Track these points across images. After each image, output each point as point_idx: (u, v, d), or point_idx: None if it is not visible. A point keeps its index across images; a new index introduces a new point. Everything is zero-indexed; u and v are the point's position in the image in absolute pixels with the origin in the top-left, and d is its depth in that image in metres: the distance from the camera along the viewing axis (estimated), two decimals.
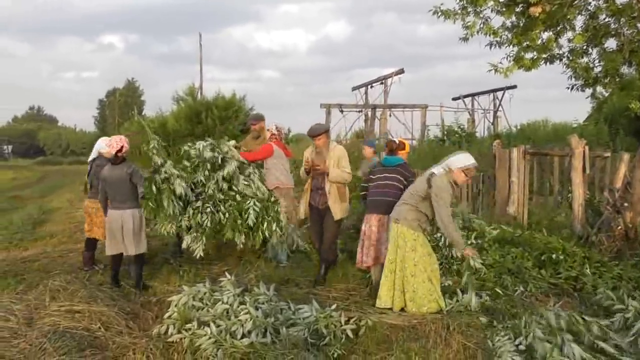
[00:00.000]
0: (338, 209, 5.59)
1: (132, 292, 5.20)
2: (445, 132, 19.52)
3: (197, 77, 31.53)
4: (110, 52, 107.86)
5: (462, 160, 4.62)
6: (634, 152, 7.15)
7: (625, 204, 6.17)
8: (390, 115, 24.67)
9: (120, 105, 52.50)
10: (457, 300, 4.58)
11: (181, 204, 5.62)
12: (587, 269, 5.31)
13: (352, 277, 5.53)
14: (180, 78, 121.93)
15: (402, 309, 4.53)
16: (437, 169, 4.64)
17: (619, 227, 6.20)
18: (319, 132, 5.68)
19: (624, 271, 5.28)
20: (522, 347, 3.71)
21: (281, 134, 6.55)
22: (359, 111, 25.48)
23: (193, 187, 5.84)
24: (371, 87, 25.67)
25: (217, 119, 21.72)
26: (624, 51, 6.52)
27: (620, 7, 6.54)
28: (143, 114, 44.26)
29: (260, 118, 7.11)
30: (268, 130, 6.62)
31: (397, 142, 5.52)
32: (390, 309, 4.54)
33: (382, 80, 24.86)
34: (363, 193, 5.65)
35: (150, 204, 5.38)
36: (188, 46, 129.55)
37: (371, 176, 5.39)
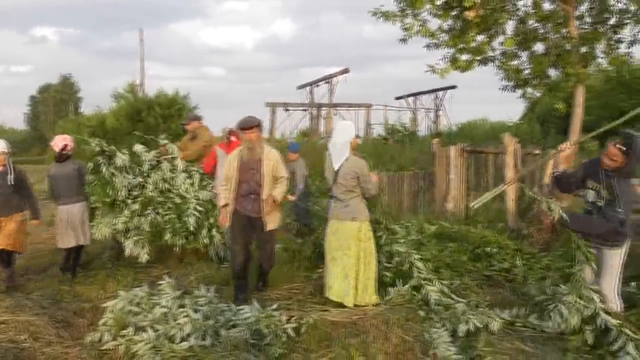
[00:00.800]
0: (277, 218, 5.02)
1: (64, 299, 5.00)
2: (389, 131, 19.92)
3: (138, 73, 30.56)
4: (43, 45, 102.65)
5: (348, 129, 4.68)
6: None
7: (553, 198, 6.51)
8: (335, 114, 24.89)
9: (55, 102, 50.15)
10: (398, 291, 4.66)
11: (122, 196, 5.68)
12: (518, 260, 5.57)
13: (295, 277, 5.53)
14: (121, 74, 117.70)
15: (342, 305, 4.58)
16: (342, 154, 4.54)
17: (547, 221, 6.55)
18: (251, 124, 4.83)
19: (552, 262, 5.58)
20: (461, 335, 3.91)
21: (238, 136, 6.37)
22: (305, 110, 25.56)
23: (129, 190, 5.74)
24: (317, 86, 25.84)
25: (160, 117, 21.21)
26: (551, 55, 6.89)
27: (547, 13, 6.90)
28: (80, 111, 42.57)
29: (193, 118, 7.00)
30: (229, 133, 6.48)
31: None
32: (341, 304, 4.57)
33: (328, 79, 25.05)
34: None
35: (97, 188, 5.62)
36: (131, 42, 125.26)
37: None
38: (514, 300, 4.68)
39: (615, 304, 3.80)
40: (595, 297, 3.76)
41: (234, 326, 3.95)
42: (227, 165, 4.96)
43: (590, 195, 3.90)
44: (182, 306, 4.14)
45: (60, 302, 4.88)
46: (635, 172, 3.83)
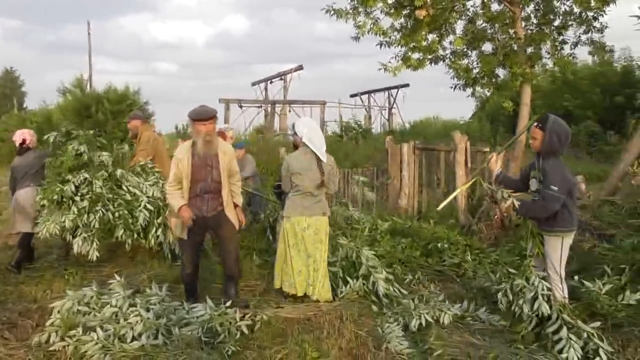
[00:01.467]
0: (235, 217, 4.65)
1: (8, 300, 4.81)
2: (343, 128, 20.06)
3: (85, 68, 29.52)
4: None
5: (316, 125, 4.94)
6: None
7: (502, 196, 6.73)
8: (289, 111, 24.83)
9: None
10: (350, 287, 4.71)
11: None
12: (468, 255, 5.74)
13: (249, 273, 5.50)
14: (68, 68, 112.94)
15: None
16: (323, 149, 4.65)
17: (496, 217, 6.76)
18: (210, 114, 4.42)
19: (500, 256, 5.78)
20: (413, 329, 4.01)
21: (225, 137, 6.26)
22: (259, 107, 25.38)
23: (76, 187, 5.56)
24: (271, 82, 25.70)
25: (109, 113, 20.55)
26: (498, 54, 7.12)
27: (495, 14, 7.12)
28: (24, 106, 40.75)
29: (133, 117, 6.83)
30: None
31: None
32: (293, 296, 4.58)
33: (282, 76, 24.97)
34: (277, 192, 5.19)
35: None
36: (77, 35, 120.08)
37: None
38: (464, 295, 4.81)
39: (559, 291, 3.91)
40: (537, 281, 3.88)
41: (186, 324, 3.89)
42: (175, 163, 4.44)
43: (533, 183, 4.04)
44: (133, 305, 4.04)
45: (4, 303, 4.68)
46: (559, 151, 3.93)
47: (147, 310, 3.95)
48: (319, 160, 4.55)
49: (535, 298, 3.83)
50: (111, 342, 3.60)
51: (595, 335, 3.56)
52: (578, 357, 3.44)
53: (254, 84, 26.52)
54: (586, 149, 18.05)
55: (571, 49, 7.37)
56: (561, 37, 7.32)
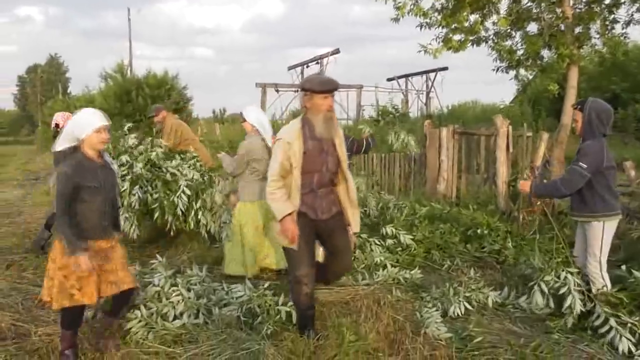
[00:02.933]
0: (358, 218, 3.77)
1: None
2: (380, 112, 19.87)
3: (125, 53, 30.18)
4: (28, 25, 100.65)
5: (255, 113, 5.05)
6: (554, 131, 7.58)
7: (545, 181, 6.55)
8: None
9: (43, 83, 49.50)
10: (387, 272, 4.76)
11: None
12: (509, 242, 5.62)
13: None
14: (107, 55, 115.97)
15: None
16: (263, 134, 4.92)
17: (538, 204, 6.59)
18: (335, 85, 3.66)
19: (542, 244, 5.62)
20: (452, 315, 3.97)
21: None
22: (295, 91, 25.38)
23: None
24: (307, 66, 25.65)
25: (149, 97, 20.99)
26: (544, 35, 6.84)
27: None
28: (68, 91, 42.05)
29: (159, 110, 6.94)
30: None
31: None
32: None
33: (318, 60, 24.87)
34: None
35: None
36: (114, 21, 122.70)
37: None
38: (505, 282, 4.72)
39: (599, 281, 3.79)
40: (570, 277, 3.79)
41: (226, 305, 3.96)
42: (283, 149, 3.43)
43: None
44: (174, 285, 4.13)
45: None
46: (601, 131, 3.79)
47: (188, 290, 4.02)
48: (267, 145, 4.82)
49: (568, 294, 3.74)
50: (154, 320, 3.70)
51: (638, 325, 3.44)
52: (631, 347, 3.34)
53: (290, 68, 26.54)
54: (634, 134, 17.35)
55: (623, 29, 7.04)
56: (612, 16, 6.96)
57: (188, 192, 5.61)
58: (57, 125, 5.51)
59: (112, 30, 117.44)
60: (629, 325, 3.45)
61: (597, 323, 3.59)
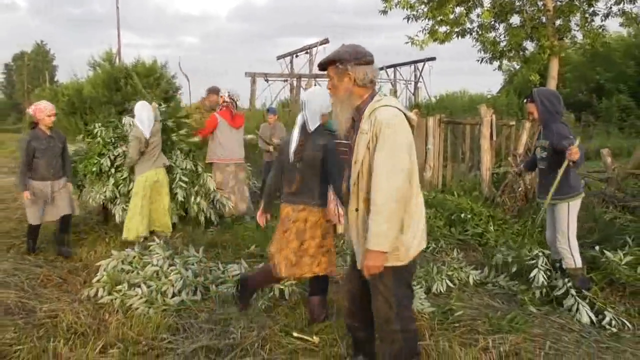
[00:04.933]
0: None
1: (56, 260, 5.22)
2: None
3: (112, 41, 29.95)
4: (12, 12, 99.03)
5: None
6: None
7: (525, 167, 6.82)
8: (315, 85, 24.86)
9: (30, 71, 48.84)
10: None
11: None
12: (491, 226, 5.89)
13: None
14: (93, 42, 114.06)
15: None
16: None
17: (520, 189, 6.87)
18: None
19: (523, 228, 5.92)
20: (435, 292, 4.23)
21: (233, 102, 6.54)
22: (285, 80, 25.46)
23: (112, 159, 5.89)
24: (296, 56, 25.68)
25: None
26: (526, 27, 7.09)
27: None
28: (55, 79, 41.63)
29: (211, 90, 7.07)
30: (220, 97, 6.60)
31: None
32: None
33: (307, 49, 24.92)
34: None
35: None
36: (100, 9, 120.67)
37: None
38: (486, 262, 4.99)
39: (570, 259, 4.04)
40: (541, 254, 4.15)
41: (222, 283, 4.19)
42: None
43: (539, 151, 4.25)
44: (172, 265, 4.36)
45: (54, 262, 5.09)
46: (559, 112, 4.08)
47: (186, 269, 4.25)
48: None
49: (534, 268, 4.08)
50: (154, 297, 3.92)
51: (598, 297, 3.79)
52: (589, 318, 3.63)
53: (279, 58, 26.55)
54: (617, 124, 17.69)
55: (602, 21, 7.30)
56: (591, 9, 7.23)
57: (185, 179, 5.82)
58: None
59: (98, 18, 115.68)
60: (589, 297, 3.77)
61: (559, 294, 3.90)
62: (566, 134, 3.95)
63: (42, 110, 5.30)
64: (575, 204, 4.07)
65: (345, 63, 2.58)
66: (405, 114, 2.54)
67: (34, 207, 5.31)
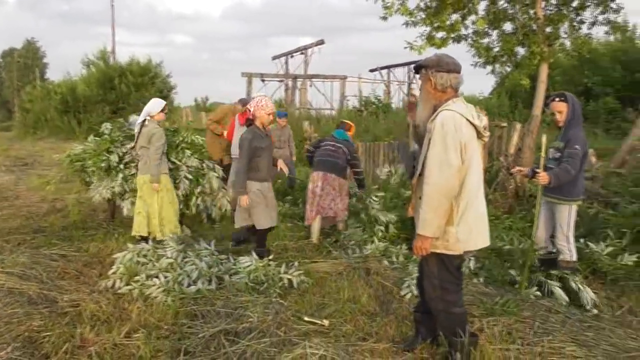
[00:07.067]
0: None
1: (70, 254, 5.42)
2: (363, 103, 20.37)
3: (104, 38, 29.92)
4: (0, 7, 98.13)
5: (156, 105, 5.60)
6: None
7: (516, 167, 7.14)
8: (310, 86, 25.15)
9: (20, 68, 48.50)
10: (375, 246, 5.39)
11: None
12: None
13: (282, 235, 6.03)
14: (84, 39, 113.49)
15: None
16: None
17: (511, 187, 7.21)
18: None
19: (514, 223, 6.25)
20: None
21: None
22: (280, 81, 25.71)
23: (120, 156, 6.12)
24: (291, 56, 25.96)
25: (132, 85, 21.05)
26: (518, 34, 7.43)
27: None
28: (46, 77, 41.44)
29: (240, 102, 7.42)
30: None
31: (348, 124, 6.42)
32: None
33: (303, 50, 25.20)
34: (310, 156, 6.31)
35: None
36: (90, 6, 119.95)
37: (320, 143, 6.22)
38: (479, 254, 5.28)
39: (567, 254, 4.34)
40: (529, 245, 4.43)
41: (235, 273, 4.45)
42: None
43: (550, 152, 4.43)
44: (185, 258, 4.62)
45: (68, 256, 5.29)
46: (581, 119, 4.32)
47: (200, 260, 4.51)
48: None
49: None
50: (172, 287, 4.18)
51: (579, 281, 4.16)
52: (563, 296, 4.07)
53: (274, 58, 26.81)
54: (604, 126, 18.12)
55: (588, 29, 7.63)
56: (579, 18, 7.57)
57: (190, 176, 6.05)
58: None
59: (88, 15, 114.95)
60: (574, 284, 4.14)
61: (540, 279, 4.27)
62: (579, 141, 4.15)
63: (263, 107, 4.99)
64: (576, 207, 4.35)
65: (428, 69, 2.91)
66: (467, 118, 2.80)
67: (264, 208, 4.93)
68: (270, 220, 4.94)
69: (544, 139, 4.15)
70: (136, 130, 5.64)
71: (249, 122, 4.99)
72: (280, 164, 5.33)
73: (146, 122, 5.57)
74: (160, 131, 5.48)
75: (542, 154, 4.18)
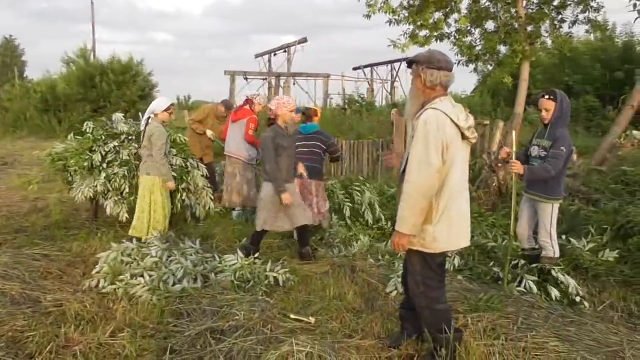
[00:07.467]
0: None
1: (52, 254, 5.35)
2: (347, 101, 20.40)
3: (83, 36, 29.54)
4: None
5: (160, 104, 5.55)
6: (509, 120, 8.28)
7: (499, 165, 7.23)
8: (294, 84, 25.11)
9: None
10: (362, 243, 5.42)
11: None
12: None
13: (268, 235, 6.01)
14: (64, 37, 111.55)
15: None
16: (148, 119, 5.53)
17: (494, 184, 7.29)
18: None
19: (497, 220, 6.32)
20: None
21: (252, 104, 7.03)
22: (263, 79, 25.61)
23: (103, 156, 6.06)
24: (274, 54, 25.86)
25: (113, 83, 20.78)
26: (500, 32, 7.52)
27: None
28: (25, 75, 40.76)
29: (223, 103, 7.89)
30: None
31: (310, 109, 6.11)
32: None
33: (286, 48, 25.13)
34: None
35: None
36: (70, 3, 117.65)
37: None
38: (463, 251, 5.34)
39: (550, 250, 4.41)
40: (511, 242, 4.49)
41: (220, 271, 4.44)
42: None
43: (535, 149, 4.45)
44: (170, 256, 4.59)
45: (50, 256, 5.21)
46: (568, 119, 4.32)
47: (185, 259, 4.49)
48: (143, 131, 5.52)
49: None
50: (157, 285, 4.15)
51: (564, 276, 4.22)
52: (533, 287, 4.15)
53: (257, 56, 26.68)
54: (584, 124, 18.40)
55: (569, 28, 7.76)
56: (559, 16, 7.68)
57: (174, 174, 6.01)
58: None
59: (67, 12, 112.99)
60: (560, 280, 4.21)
61: (519, 272, 4.36)
62: (565, 142, 4.18)
63: (285, 104, 5.02)
64: (558, 205, 4.41)
65: (419, 65, 2.89)
66: (451, 118, 2.77)
67: (267, 212, 5.02)
68: (266, 224, 5.02)
69: (513, 134, 4.27)
70: (142, 129, 5.59)
71: (271, 122, 5.02)
72: (300, 168, 5.28)
73: (149, 121, 5.51)
74: (160, 130, 5.41)
75: (513, 148, 4.25)
